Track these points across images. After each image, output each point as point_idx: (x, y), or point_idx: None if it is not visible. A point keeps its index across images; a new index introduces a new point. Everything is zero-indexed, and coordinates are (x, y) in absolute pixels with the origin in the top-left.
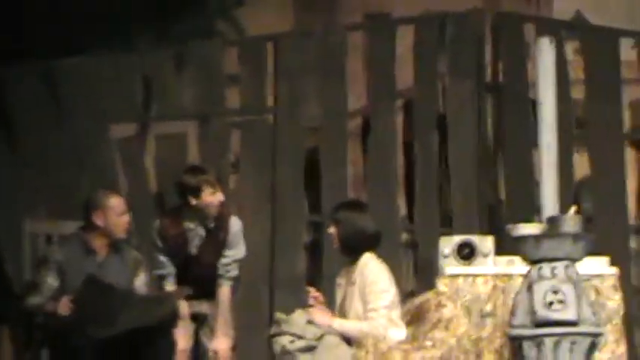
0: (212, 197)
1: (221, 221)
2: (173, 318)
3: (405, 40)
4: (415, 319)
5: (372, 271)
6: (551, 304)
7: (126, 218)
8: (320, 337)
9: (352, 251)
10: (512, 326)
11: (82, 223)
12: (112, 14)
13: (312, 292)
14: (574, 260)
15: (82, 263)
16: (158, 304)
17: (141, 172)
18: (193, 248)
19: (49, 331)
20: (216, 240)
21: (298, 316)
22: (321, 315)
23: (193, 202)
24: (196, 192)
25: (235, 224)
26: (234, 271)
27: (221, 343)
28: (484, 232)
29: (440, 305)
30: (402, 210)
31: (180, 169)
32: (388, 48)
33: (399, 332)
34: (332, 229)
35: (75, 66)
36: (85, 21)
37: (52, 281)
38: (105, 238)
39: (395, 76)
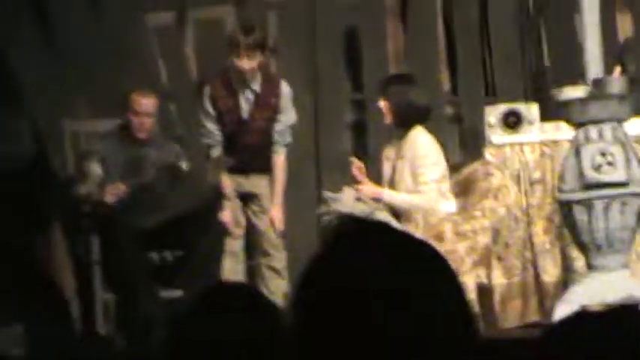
0: (240, 62)
1: (269, 84)
2: (219, 194)
3: None
4: (463, 190)
5: (423, 145)
6: (599, 166)
7: (147, 120)
8: (369, 215)
9: (403, 124)
10: (561, 191)
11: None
12: None
13: (356, 162)
14: (621, 121)
15: (123, 157)
16: (204, 174)
17: (181, 60)
18: (244, 113)
19: (97, 219)
20: (267, 104)
21: (347, 194)
22: (369, 187)
23: (235, 62)
24: (233, 50)
25: (285, 88)
26: (289, 137)
27: (276, 211)
28: (529, 99)
29: (488, 175)
30: (445, 83)
31: (220, 55)
32: None
33: (448, 204)
34: (382, 103)
35: None
36: None
37: (97, 170)
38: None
39: None
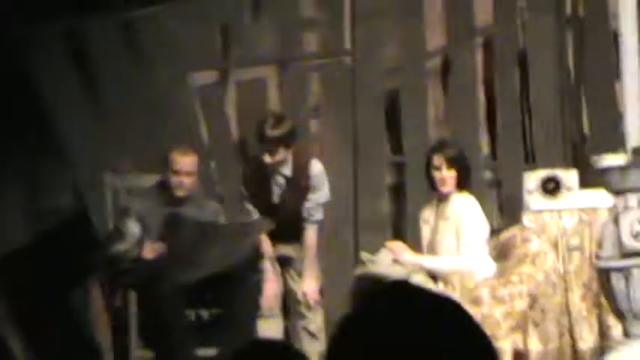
0: (264, 155)
1: (299, 168)
2: (257, 254)
3: None
4: (502, 254)
5: (469, 207)
6: (638, 234)
7: (186, 179)
8: (406, 277)
9: (462, 189)
10: (599, 258)
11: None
12: None
13: (393, 244)
14: None
15: (161, 214)
16: (243, 234)
17: (222, 120)
18: (276, 197)
19: (135, 277)
20: (298, 187)
21: (384, 256)
22: (409, 253)
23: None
24: (259, 141)
25: (316, 168)
26: (318, 215)
27: (309, 285)
28: (568, 166)
29: (526, 240)
30: (485, 148)
31: (261, 115)
32: None
33: (488, 267)
34: (451, 172)
35: (153, 14)
36: None
37: (134, 229)
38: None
39: (474, 13)
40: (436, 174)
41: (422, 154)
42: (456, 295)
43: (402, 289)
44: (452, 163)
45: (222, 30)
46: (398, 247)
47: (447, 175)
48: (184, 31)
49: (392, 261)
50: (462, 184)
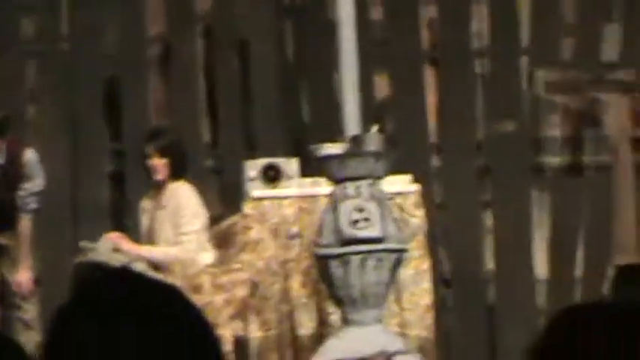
0: None
1: (12, 157)
2: None
3: None
4: (222, 242)
5: (184, 196)
6: (356, 222)
7: None
8: (127, 265)
9: (176, 178)
10: (318, 246)
11: None
12: None
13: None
14: (377, 178)
15: None
16: None
17: None
18: None
19: None
20: (11, 175)
21: (104, 244)
22: (128, 243)
23: None
24: None
25: (30, 156)
26: (32, 204)
27: (23, 275)
28: (289, 154)
29: (247, 228)
30: (206, 136)
31: None
32: None
33: (207, 256)
34: (161, 160)
35: None
36: None
37: None
38: None
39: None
40: (149, 162)
41: (141, 142)
42: (177, 283)
43: (123, 275)
44: (164, 151)
45: None
46: (117, 237)
47: (158, 163)
48: None
49: (112, 249)
50: (177, 173)
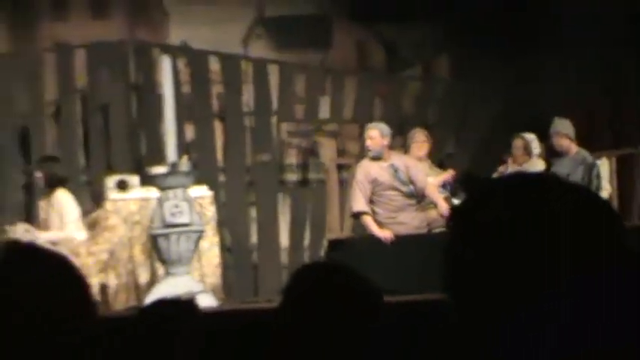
0: None
1: None
2: None
3: None
4: (92, 226)
5: (65, 199)
6: (174, 214)
7: None
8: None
9: (52, 187)
10: (151, 228)
11: None
12: None
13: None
14: (186, 187)
15: None
16: None
17: None
18: None
19: None
20: None
21: (19, 228)
22: (34, 229)
23: None
24: None
25: None
26: None
27: None
28: (133, 172)
29: (107, 218)
30: (82, 161)
31: None
32: None
33: (83, 234)
34: (39, 174)
35: None
36: None
37: None
38: None
39: None
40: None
41: (41, 165)
42: (64, 253)
43: (29, 248)
44: (48, 169)
45: None
46: (27, 227)
47: (38, 176)
48: None
49: (25, 231)
50: (54, 184)
